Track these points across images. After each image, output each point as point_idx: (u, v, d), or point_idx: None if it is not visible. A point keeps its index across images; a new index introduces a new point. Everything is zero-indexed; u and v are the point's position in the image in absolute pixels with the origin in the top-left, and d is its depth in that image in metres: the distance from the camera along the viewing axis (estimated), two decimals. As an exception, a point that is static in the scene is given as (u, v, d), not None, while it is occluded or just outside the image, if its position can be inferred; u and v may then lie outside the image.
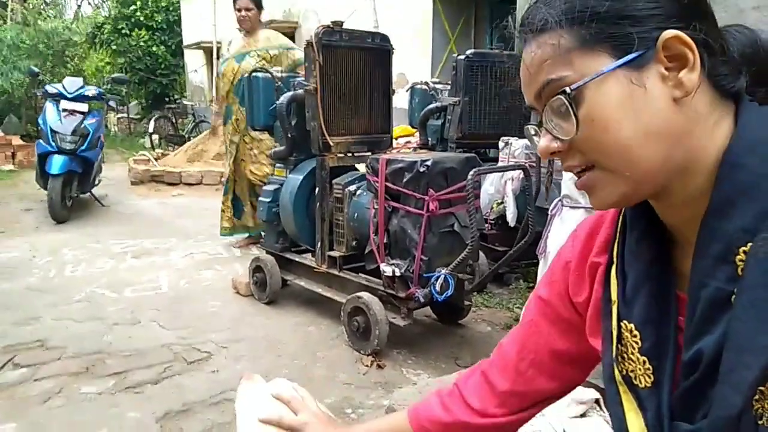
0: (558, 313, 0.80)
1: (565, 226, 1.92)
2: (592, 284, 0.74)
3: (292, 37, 10.03)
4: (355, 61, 2.92)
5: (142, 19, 12.59)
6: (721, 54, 0.59)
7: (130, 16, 12.58)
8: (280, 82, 3.28)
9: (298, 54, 4.06)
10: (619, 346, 0.66)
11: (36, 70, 6.89)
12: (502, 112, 3.78)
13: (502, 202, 3.38)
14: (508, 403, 0.84)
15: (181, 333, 2.87)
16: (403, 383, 2.37)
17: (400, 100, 4.88)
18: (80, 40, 13.68)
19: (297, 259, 3.20)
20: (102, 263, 4.04)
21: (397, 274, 2.51)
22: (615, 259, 0.68)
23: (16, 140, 8.95)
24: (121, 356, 2.60)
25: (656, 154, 0.57)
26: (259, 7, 4.17)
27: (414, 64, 7.09)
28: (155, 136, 10.86)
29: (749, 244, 0.53)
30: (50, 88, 5.57)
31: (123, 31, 12.51)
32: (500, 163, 3.42)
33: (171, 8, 13.00)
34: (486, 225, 3.55)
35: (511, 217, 3.25)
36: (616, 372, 0.66)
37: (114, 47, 12.62)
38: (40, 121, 5.45)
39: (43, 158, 5.21)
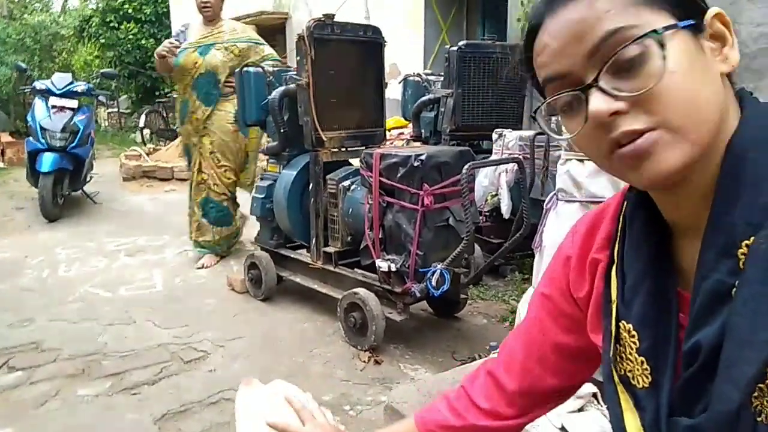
0: (560, 309, 0.79)
1: (561, 220, 1.92)
2: (592, 280, 0.74)
3: (282, 29, 9.98)
4: (348, 55, 2.89)
5: (130, 11, 12.43)
6: None
7: (118, 9, 12.41)
8: (271, 77, 3.24)
9: (267, 49, 3.86)
10: (617, 345, 0.66)
11: (23, 65, 6.82)
12: (496, 103, 3.77)
13: (496, 195, 3.37)
14: (517, 402, 0.83)
15: (177, 332, 2.86)
16: (401, 379, 2.37)
17: (393, 91, 4.84)
18: (68, 33, 13.51)
19: (292, 256, 3.18)
20: (96, 262, 4.02)
21: (393, 269, 2.50)
22: (615, 258, 0.68)
23: (5, 137, 8.87)
24: (117, 357, 2.59)
25: (714, 121, 0.56)
26: None
27: (406, 54, 7.05)
28: (146, 131, 10.76)
29: (752, 238, 0.52)
30: (39, 85, 5.50)
31: (111, 24, 12.35)
32: (494, 155, 3.41)
33: (159, 0, 12.85)
34: (481, 217, 3.55)
35: (505, 209, 3.25)
36: (614, 372, 0.66)
37: (102, 41, 12.46)
38: (29, 119, 5.38)
39: (33, 156, 5.15)
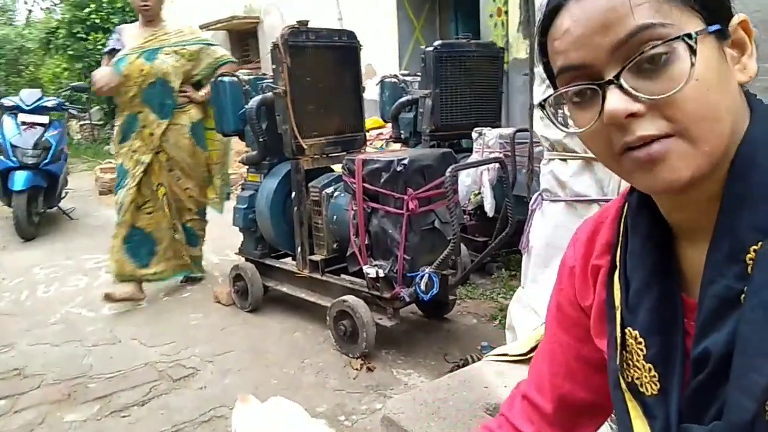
0: (572, 320, 0.78)
1: (546, 220, 1.92)
2: (595, 287, 0.73)
3: (254, 33, 9.89)
4: (324, 61, 2.87)
5: (98, 21, 12.18)
6: None
7: (84, 19, 12.16)
8: (247, 85, 3.20)
9: (220, 50, 3.54)
10: (624, 353, 0.65)
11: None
12: (474, 102, 3.77)
13: (479, 193, 3.38)
14: (558, 422, 0.80)
15: (164, 349, 2.81)
16: (395, 385, 2.36)
17: (370, 92, 4.83)
18: (34, 46, 13.22)
19: (277, 265, 3.15)
20: (75, 281, 3.93)
21: (381, 275, 2.49)
22: (618, 264, 0.67)
23: (-25, 155, 8.63)
24: (103, 379, 2.53)
25: (729, 133, 0.55)
26: None
27: (381, 54, 7.04)
28: (120, 142, 10.56)
29: (760, 243, 0.52)
30: (6, 101, 5.38)
31: (78, 35, 12.10)
32: (475, 154, 3.42)
33: (127, 9, 12.63)
34: (465, 216, 3.56)
35: (489, 207, 3.25)
36: (621, 379, 0.65)
37: (71, 52, 12.21)
38: (-1, 137, 5.25)
39: (5, 175, 5.02)
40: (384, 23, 7.22)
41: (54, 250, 4.77)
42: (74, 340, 2.95)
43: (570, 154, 1.83)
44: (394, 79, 4.27)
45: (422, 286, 2.41)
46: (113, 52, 3.33)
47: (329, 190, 2.83)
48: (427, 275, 2.40)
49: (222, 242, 4.52)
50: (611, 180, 1.76)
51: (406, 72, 4.94)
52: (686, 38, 0.51)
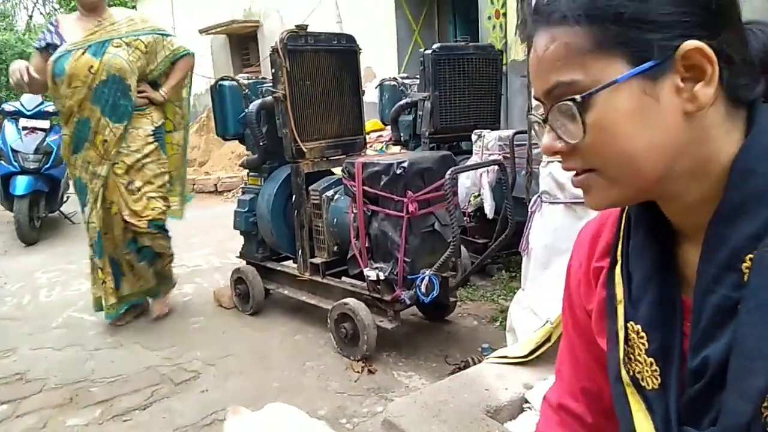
0: (583, 323, 0.79)
1: (546, 222, 1.93)
2: (596, 289, 0.74)
3: (254, 37, 9.91)
4: (323, 64, 2.88)
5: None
6: (743, 63, 0.57)
7: (85, 24, 12.19)
8: (247, 89, 3.22)
9: (177, 41, 3.08)
10: (626, 347, 0.65)
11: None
12: (473, 104, 3.78)
13: (479, 195, 3.39)
14: (601, 424, 0.80)
15: (166, 353, 2.81)
16: (396, 387, 2.37)
17: (370, 95, 4.85)
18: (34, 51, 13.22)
19: (279, 268, 3.16)
20: (78, 285, 3.94)
21: (381, 277, 2.50)
22: (619, 259, 0.68)
23: (-24, 160, 8.65)
24: (105, 383, 2.54)
25: (659, 166, 0.56)
26: None
27: (380, 56, 7.06)
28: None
29: (756, 251, 0.52)
30: (7, 106, 5.40)
31: (79, 39, 12.12)
32: (474, 156, 3.43)
33: (129, 5, 12.66)
34: (465, 218, 3.56)
35: (488, 209, 3.26)
36: (623, 373, 0.65)
37: (71, 57, 12.21)
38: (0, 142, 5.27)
39: (6, 179, 5.05)
40: (383, 26, 7.24)
41: (56, 254, 4.78)
42: (76, 345, 2.96)
43: (569, 156, 1.84)
44: (393, 82, 4.29)
45: (423, 289, 2.41)
46: (49, 48, 2.85)
47: (329, 193, 2.84)
48: (427, 277, 2.41)
49: (223, 245, 4.54)
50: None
51: (405, 75, 4.96)
52: (570, 101, 0.56)
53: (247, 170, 3.32)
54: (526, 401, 1.43)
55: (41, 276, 4.18)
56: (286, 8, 8.53)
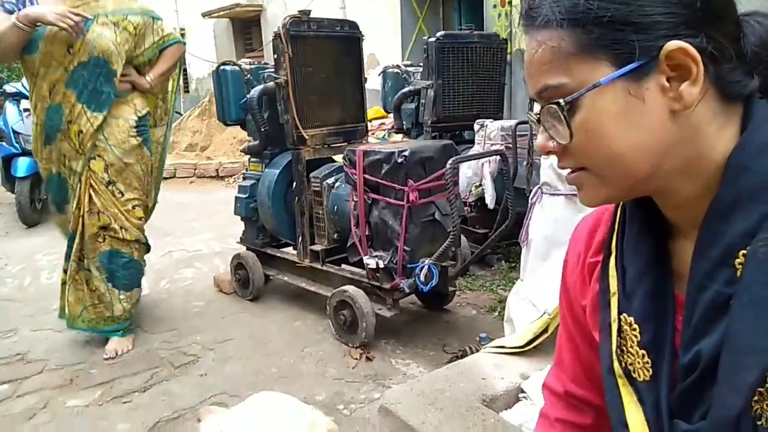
0: (581, 318, 0.79)
1: (546, 214, 1.93)
2: (591, 284, 0.74)
3: (257, 22, 9.84)
4: (326, 51, 2.86)
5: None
6: (735, 59, 0.56)
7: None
8: (249, 75, 3.20)
9: (167, 27, 2.75)
10: (619, 339, 0.66)
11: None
12: (476, 93, 3.77)
13: (480, 185, 3.38)
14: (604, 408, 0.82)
15: (166, 336, 2.83)
16: (393, 374, 2.38)
17: (373, 82, 4.82)
18: (36, 31, 13.14)
19: (279, 255, 3.17)
20: (78, 267, 3.95)
21: (381, 266, 2.51)
22: (614, 251, 0.68)
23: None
24: (105, 365, 2.56)
25: (646, 165, 0.57)
26: None
27: (384, 44, 7.01)
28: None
29: (749, 247, 0.53)
30: (9, 88, 5.39)
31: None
32: (476, 145, 3.42)
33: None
34: (465, 208, 3.56)
35: (489, 199, 3.26)
36: (616, 365, 0.66)
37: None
38: (1, 123, 5.26)
39: (8, 161, 5.05)
40: (387, 13, 7.18)
41: (57, 236, 4.72)
42: (76, 327, 2.97)
43: (570, 147, 1.83)
44: (396, 70, 4.26)
45: (422, 277, 2.42)
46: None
47: (330, 180, 2.84)
48: (426, 266, 2.42)
49: (224, 231, 4.55)
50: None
51: (408, 62, 4.93)
52: (556, 105, 0.57)
53: (248, 156, 3.31)
54: (522, 391, 1.44)
55: (42, 258, 4.19)
56: (290, -7, 8.47)
